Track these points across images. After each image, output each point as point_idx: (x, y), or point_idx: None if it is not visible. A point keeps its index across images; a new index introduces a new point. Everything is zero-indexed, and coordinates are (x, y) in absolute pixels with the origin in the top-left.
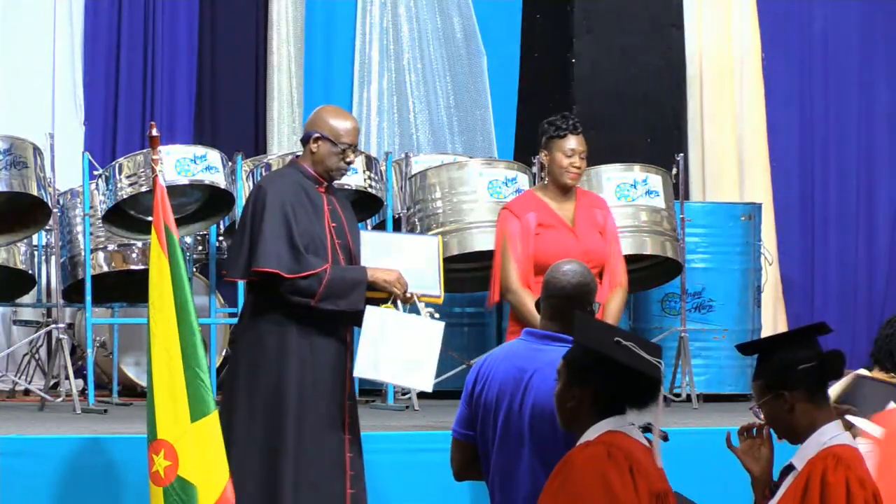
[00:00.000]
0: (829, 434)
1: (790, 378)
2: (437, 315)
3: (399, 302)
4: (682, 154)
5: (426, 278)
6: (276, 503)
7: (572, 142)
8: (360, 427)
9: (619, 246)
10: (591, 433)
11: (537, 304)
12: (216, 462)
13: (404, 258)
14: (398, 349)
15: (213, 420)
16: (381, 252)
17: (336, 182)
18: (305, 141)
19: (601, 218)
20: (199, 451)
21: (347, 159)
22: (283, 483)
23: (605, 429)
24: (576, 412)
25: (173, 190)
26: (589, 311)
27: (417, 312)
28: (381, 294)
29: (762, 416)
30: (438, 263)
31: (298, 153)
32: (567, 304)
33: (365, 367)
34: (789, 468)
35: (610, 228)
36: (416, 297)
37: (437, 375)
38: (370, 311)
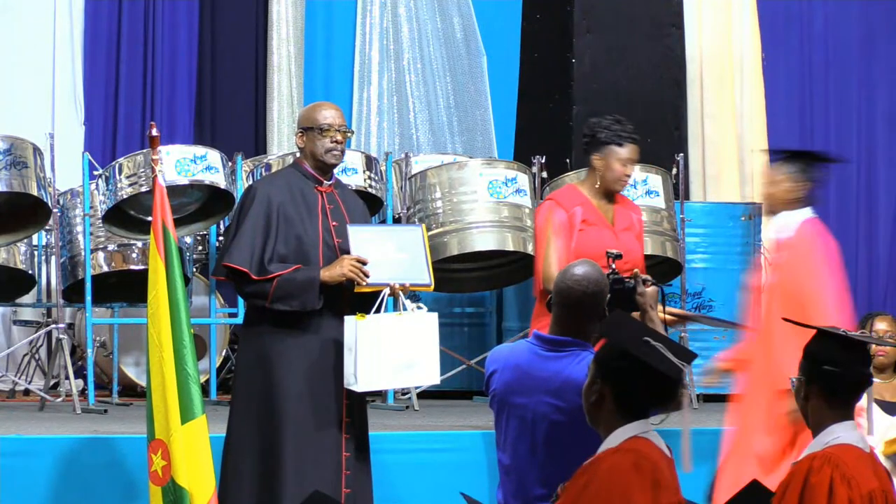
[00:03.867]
0: (835, 434)
1: (812, 371)
2: (423, 307)
3: (390, 297)
4: (682, 154)
5: (414, 267)
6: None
7: (628, 150)
8: None
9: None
10: (617, 437)
11: (548, 305)
12: (204, 468)
13: (390, 249)
14: (397, 353)
15: (201, 424)
16: (366, 245)
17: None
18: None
19: (636, 223)
20: (188, 454)
21: (333, 138)
22: (281, 485)
23: (631, 434)
24: (598, 408)
25: (173, 190)
26: (599, 314)
27: (412, 301)
28: (371, 289)
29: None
30: (425, 251)
31: (298, 154)
32: (580, 310)
33: (368, 380)
34: None
35: (642, 233)
36: (406, 288)
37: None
38: (353, 324)
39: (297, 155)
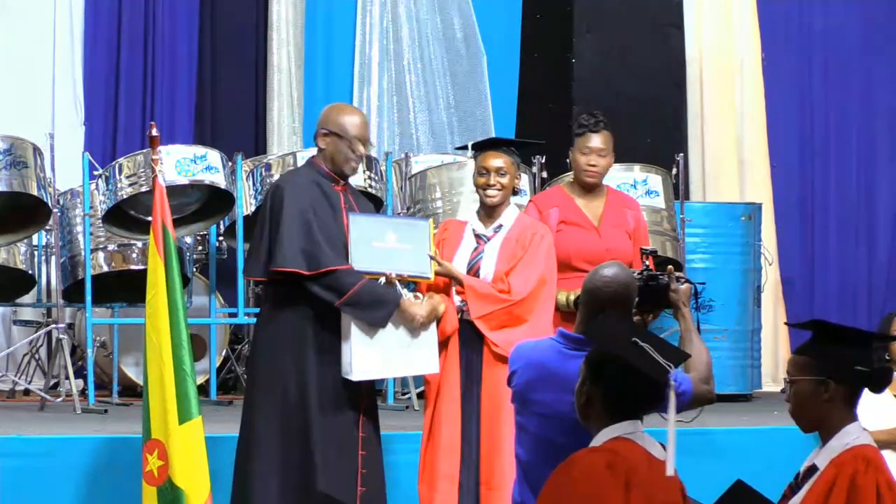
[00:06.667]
0: (853, 434)
1: (844, 372)
2: (420, 296)
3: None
4: (682, 154)
5: (415, 259)
6: (304, 500)
7: (590, 140)
8: None
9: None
10: (601, 437)
11: (575, 303)
12: (200, 469)
13: (391, 239)
14: (392, 342)
15: (197, 425)
16: (371, 234)
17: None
18: (316, 139)
19: (631, 219)
20: (185, 454)
21: (357, 151)
22: (309, 478)
23: (615, 434)
24: (588, 408)
25: (173, 190)
26: (624, 314)
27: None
28: (368, 276)
29: (788, 390)
30: (429, 245)
31: (298, 152)
32: (606, 311)
33: (364, 369)
34: (812, 469)
35: (641, 228)
36: (405, 279)
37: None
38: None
39: (315, 155)
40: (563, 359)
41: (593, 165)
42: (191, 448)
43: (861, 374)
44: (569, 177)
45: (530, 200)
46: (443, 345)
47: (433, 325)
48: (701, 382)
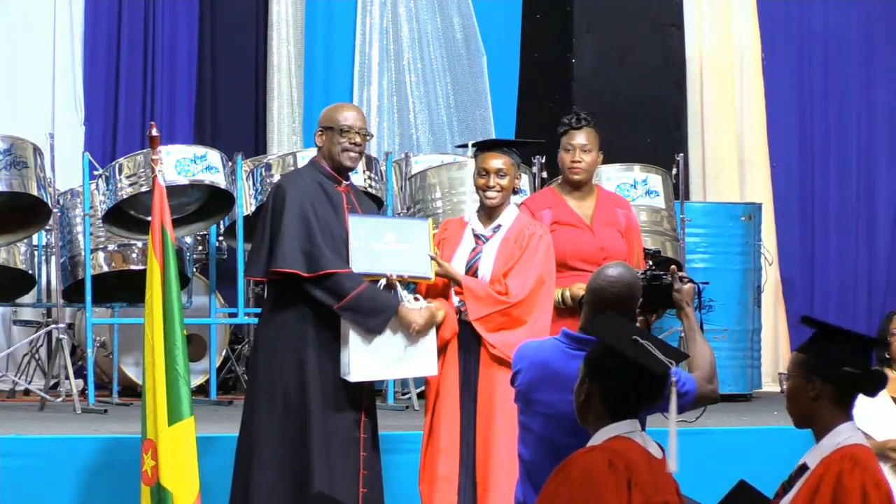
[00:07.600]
0: (844, 434)
1: (831, 372)
2: (420, 297)
3: (387, 287)
4: (682, 154)
5: (415, 260)
6: (304, 501)
7: (573, 137)
8: None
9: (641, 245)
10: (600, 436)
11: (579, 303)
12: (189, 471)
13: (390, 240)
14: (390, 343)
15: (188, 426)
16: (370, 235)
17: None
18: (315, 140)
19: (622, 218)
20: (173, 455)
21: (351, 140)
22: (310, 479)
23: (614, 433)
24: (587, 406)
25: (173, 190)
26: (630, 317)
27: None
28: (368, 278)
29: (784, 385)
30: (429, 245)
31: (298, 152)
32: (611, 311)
33: (360, 370)
34: (803, 468)
35: (633, 227)
36: (406, 279)
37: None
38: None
39: (316, 154)
40: (567, 359)
41: (577, 162)
42: (179, 449)
43: (851, 376)
44: (560, 178)
45: (522, 203)
46: (442, 349)
47: (432, 330)
48: (705, 382)
